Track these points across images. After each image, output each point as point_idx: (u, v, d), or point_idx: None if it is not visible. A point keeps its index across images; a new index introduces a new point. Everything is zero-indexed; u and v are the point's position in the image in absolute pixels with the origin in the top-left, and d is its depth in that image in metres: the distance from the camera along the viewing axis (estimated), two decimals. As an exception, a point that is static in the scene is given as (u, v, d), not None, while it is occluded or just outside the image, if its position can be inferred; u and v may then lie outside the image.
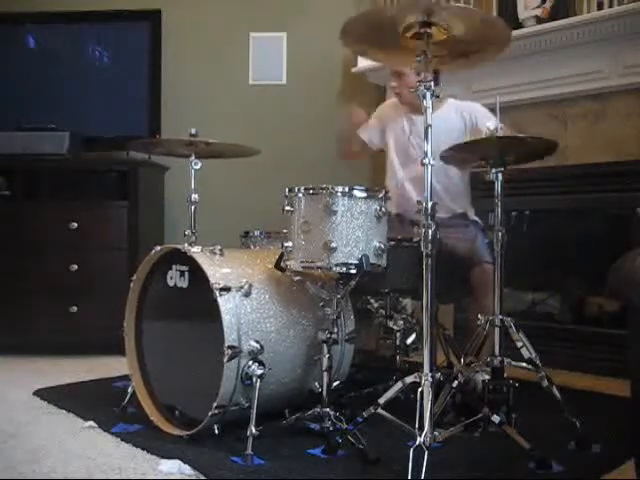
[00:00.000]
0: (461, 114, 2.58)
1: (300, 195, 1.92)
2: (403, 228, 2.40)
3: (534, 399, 1.97)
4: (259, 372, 1.87)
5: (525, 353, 1.98)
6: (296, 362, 2.04)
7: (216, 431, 1.89)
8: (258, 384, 1.85)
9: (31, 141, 3.38)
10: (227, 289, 1.88)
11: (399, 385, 1.78)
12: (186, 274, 2.03)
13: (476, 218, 2.63)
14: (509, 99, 2.97)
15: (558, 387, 1.95)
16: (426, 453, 1.53)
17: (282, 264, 1.95)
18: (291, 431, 1.95)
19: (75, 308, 3.26)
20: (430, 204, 1.68)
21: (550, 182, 3.10)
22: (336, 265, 1.85)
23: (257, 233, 2.51)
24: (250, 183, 3.73)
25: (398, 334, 2.41)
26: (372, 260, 1.88)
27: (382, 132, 2.74)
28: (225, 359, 1.82)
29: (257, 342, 1.90)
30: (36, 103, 3.59)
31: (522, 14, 3.11)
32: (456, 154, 2.08)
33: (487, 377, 1.97)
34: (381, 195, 1.93)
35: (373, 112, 2.81)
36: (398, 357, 2.42)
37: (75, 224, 3.28)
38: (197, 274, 1.95)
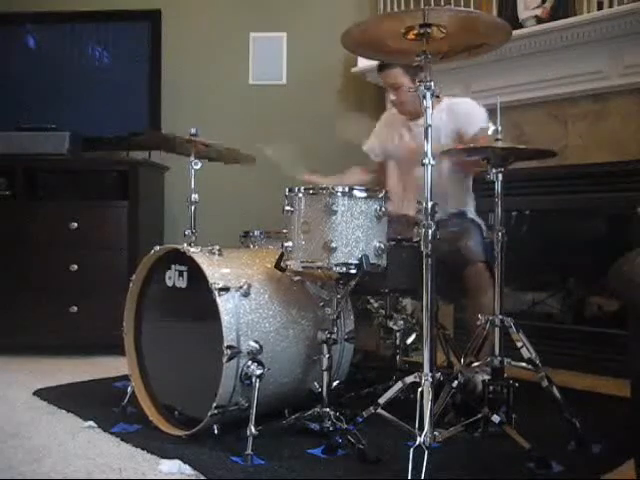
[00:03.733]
0: (454, 117, 2.49)
1: (300, 195, 1.92)
2: (403, 228, 2.39)
3: (534, 399, 1.97)
4: (258, 372, 1.87)
5: (525, 353, 1.97)
6: (295, 362, 2.04)
7: (216, 431, 1.89)
8: (257, 384, 1.85)
9: (31, 141, 3.38)
10: (226, 289, 1.88)
11: (399, 385, 1.78)
12: (185, 274, 2.03)
13: (474, 217, 2.61)
14: (509, 99, 2.97)
15: (558, 387, 1.95)
16: (426, 453, 1.53)
17: (282, 264, 1.95)
18: (291, 431, 1.95)
19: (75, 308, 3.26)
20: (430, 204, 1.68)
21: (550, 182, 3.09)
22: (336, 265, 1.85)
23: (257, 233, 2.51)
24: (250, 183, 3.73)
25: (398, 334, 2.42)
26: (372, 260, 1.88)
27: (381, 147, 2.78)
28: (224, 359, 1.82)
29: (256, 342, 1.90)
30: (36, 103, 3.59)
31: (522, 14, 3.11)
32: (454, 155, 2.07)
33: (487, 377, 1.97)
34: (381, 195, 1.93)
35: (372, 112, 2.82)
36: (398, 357, 2.43)
37: (75, 224, 3.28)
38: (196, 274, 1.94)
